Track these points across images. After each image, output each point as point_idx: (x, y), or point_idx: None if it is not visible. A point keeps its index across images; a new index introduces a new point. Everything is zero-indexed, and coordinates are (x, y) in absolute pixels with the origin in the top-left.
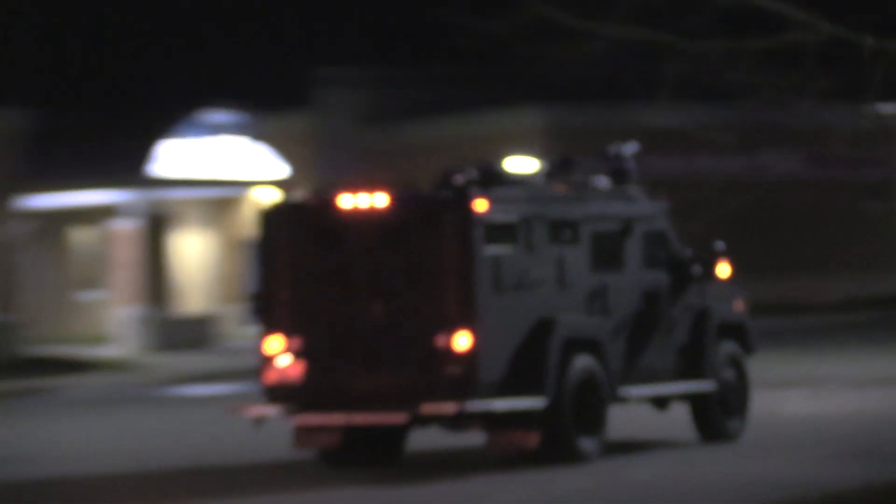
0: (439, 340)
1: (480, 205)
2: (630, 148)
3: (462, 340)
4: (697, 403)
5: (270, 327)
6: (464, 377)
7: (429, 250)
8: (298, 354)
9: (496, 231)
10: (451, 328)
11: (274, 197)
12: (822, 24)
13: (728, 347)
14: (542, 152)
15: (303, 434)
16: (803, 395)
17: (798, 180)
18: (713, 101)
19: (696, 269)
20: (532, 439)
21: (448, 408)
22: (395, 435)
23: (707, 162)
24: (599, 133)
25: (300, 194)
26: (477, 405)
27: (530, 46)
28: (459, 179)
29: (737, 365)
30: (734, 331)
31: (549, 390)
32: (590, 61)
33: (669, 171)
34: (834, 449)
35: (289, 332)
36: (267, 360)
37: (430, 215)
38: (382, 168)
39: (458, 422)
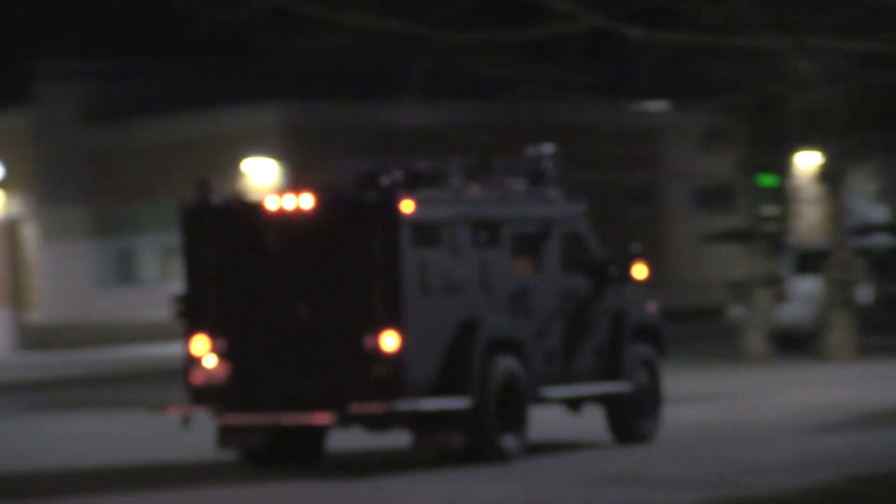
0: (367, 341)
1: (407, 206)
2: (548, 149)
3: (389, 341)
4: (612, 405)
5: (196, 328)
6: (391, 378)
7: (355, 251)
8: (224, 355)
9: (422, 232)
10: (379, 329)
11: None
12: (585, 14)
13: (642, 350)
14: (282, 152)
15: (227, 434)
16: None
17: (560, 182)
18: (467, 98)
19: (613, 270)
20: (457, 439)
21: (375, 408)
22: (317, 436)
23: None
24: (343, 132)
25: (224, 195)
26: (404, 405)
27: (269, 39)
28: (385, 180)
29: (650, 367)
30: (648, 333)
31: (474, 391)
32: (334, 55)
33: None
34: (604, 471)
35: (214, 334)
36: (193, 361)
37: (356, 216)
38: (110, 169)
39: (384, 422)
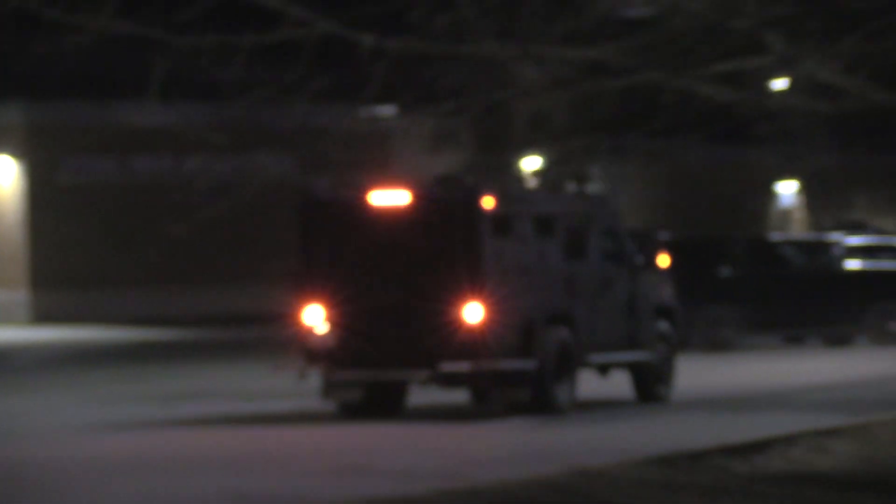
0: (455, 312)
1: (488, 202)
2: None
3: (474, 312)
4: (637, 371)
5: (310, 301)
6: (475, 342)
7: (445, 238)
8: (334, 324)
9: (498, 224)
10: (465, 302)
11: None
12: (320, 20)
13: (661, 326)
14: (23, 150)
15: (332, 388)
16: (290, 407)
17: (290, 184)
18: (205, 100)
19: (640, 259)
20: (524, 394)
21: (462, 367)
22: (401, 392)
23: (195, 163)
24: (84, 131)
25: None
26: (485, 365)
27: (11, 38)
28: (469, 181)
29: (667, 341)
30: (667, 313)
31: (538, 354)
32: (76, 56)
33: (158, 172)
34: (319, 464)
35: (326, 306)
36: (307, 329)
37: (446, 210)
38: None
39: (467, 379)
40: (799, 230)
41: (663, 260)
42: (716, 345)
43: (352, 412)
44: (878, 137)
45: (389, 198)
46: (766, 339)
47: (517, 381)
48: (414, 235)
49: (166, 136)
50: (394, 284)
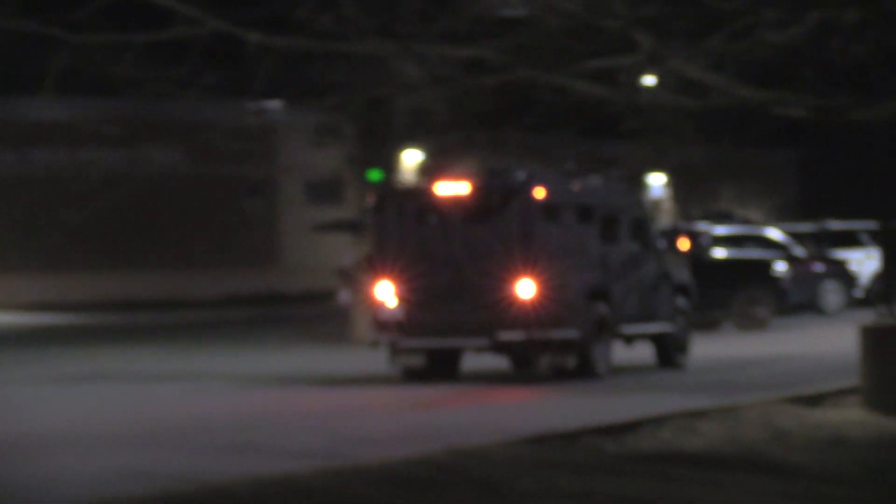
0: (511, 288)
1: (539, 192)
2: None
3: (527, 288)
4: (659, 341)
5: (382, 279)
6: (528, 314)
7: (501, 223)
8: (403, 298)
9: (546, 212)
10: (519, 279)
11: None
12: (209, 19)
13: (680, 302)
14: None
15: (398, 355)
16: (183, 389)
17: (180, 175)
18: (98, 95)
19: (662, 243)
20: (571, 360)
21: (517, 336)
22: (456, 358)
23: (90, 155)
24: None
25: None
26: (537, 334)
27: None
28: (521, 174)
29: (684, 315)
30: (684, 290)
31: (581, 326)
32: None
33: (53, 165)
34: (210, 443)
35: (396, 283)
36: (379, 303)
37: (502, 199)
38: None
39: (522, 346)
40: (668, 220)
41: (683, 244)
42: None
43: (414, 376)
44: (742, 132)
45: (452, 188)
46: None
47: (563, 349)
48: (474, 221)
49: (62, 129)
50: (456, 264)
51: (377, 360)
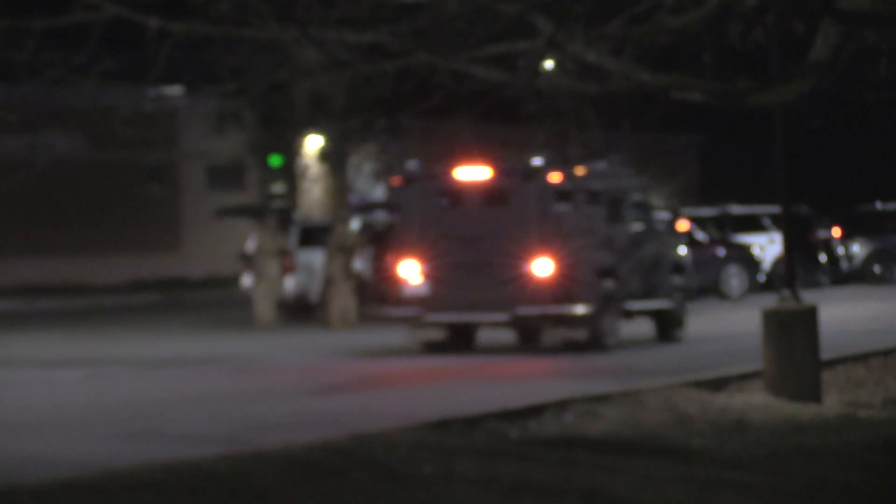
0: (530, 266)
1: (554, 177)
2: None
3: (543, 266)
4: (658, 317)
5: (405, 257)
6: (544, 290)
7: (519, 206)
8: (426, 276)
9: (560, 195)
10: (537, 258)
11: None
12: (108, 4)
13: (678, 280)
14: None
15: (419, 329)
16: (85, 375)
17: (81, 161)
18: None
19: (661, 225)
20: (582, 333)
21: (536, 311)
22: (472, 333)
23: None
24: None
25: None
26: (553, 309)
27: None
28: (538, 160)
29: (682, 293)
30: (682, 269)
31: (591, 301)
32: None
33: None
34: (112, 429)
35: (419, 261)
36: (402, 280)
37: (520, 183)
38: None
39: (538, 320)
40: None
41: (682, 226)
42: None
43: (434, 349)
44: (643, 117)
45: (473, 173)
46: None
47: (576, 323)
48: (493, 203)
49: None
50: (476, 244)
51: (280, 344)
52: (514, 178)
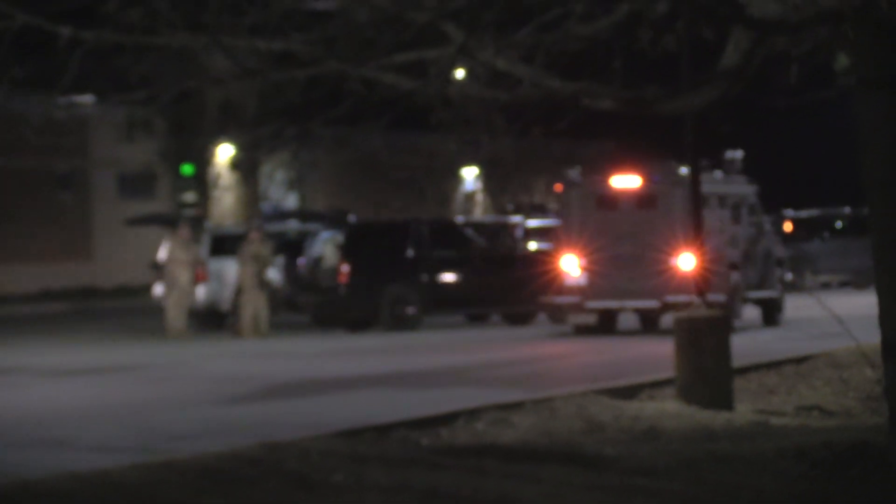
0: (676, 260)
1: (696, 184)
2: (738, 154)
3: (688, 261)
4: (766, 304)
5: (566, 253)
6: (689, 281)
7: (666, 209)
8: (585, 268)
9: (704, 200)
10: (681, 253)
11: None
12: (19, 13)
13: (780, 272)
14: None
15: (575, 315)
16: None
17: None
18: None
19: (768, 226)
20: None
21: (682, 298)
22: (614, 317)
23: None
24: None
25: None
26: (697, 297)
27: None
28: (683, 169)
29: (782, 284)
30: (782, 263)
31: (725, 291)
32: None
33: None
34: (22, 437)
35: (579, 256)
36: (565, 273)
37: (667, 189)
38: None
39: (685, 307)
40: (482, 213)
41: (786, 227)
42: (401, 323)
43: (583, 332)
44: (553, 124)
45: (626, 180)
46: (449, 317)
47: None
48: (643, 206)
49: None
50: (629, 241)
51: (192, 353)
52: (663, 185)
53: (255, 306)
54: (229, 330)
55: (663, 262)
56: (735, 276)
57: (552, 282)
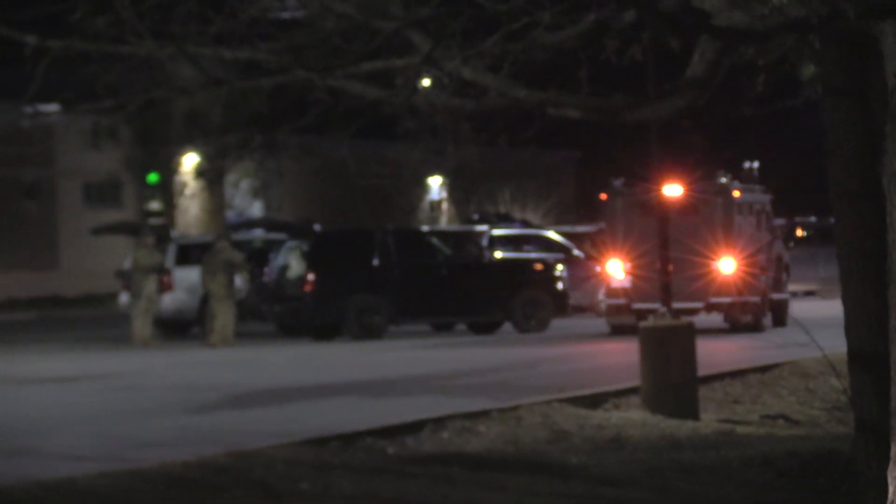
0: (718, 264)
1: (736, 193)
2: (755, 164)
3: (730, 265)
4: (775, 305)
5: (611, 258)
6: (730, 284)
7: (708, 217)
8: (630, 273)
9: (739, 208)
10: (723, 258)
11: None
12: None
13: (785, 276)
14: None
15: (615, 315)
16: None
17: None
18: None
19: (781, 233)
20: (748, 318)
21: (724, 300)
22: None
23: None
24: None
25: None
26: (738, 298)
27: None
28: (724, 178)
29: (787, 286)
30: (788, 267)
31: (757, 293)
32: None
33: None
34: None
35: (623, 261)
36: (610, 277)
37: (709, 198)
38: None
39: (727, 307)
40: (448, 222)
41: (799, 233)
42: (367, 332)
43: (620, 332)
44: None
45: (669, 190)
46: (415, 326)
47: (748, 309)
48: (686, 214)
49: None
50: (673, 247)
51: (158, 362)
52: (706, 194)
53: (221, 315)
54: (201, 339)
55: (705, 265)
56: (764, 280)
57: (521, 288)
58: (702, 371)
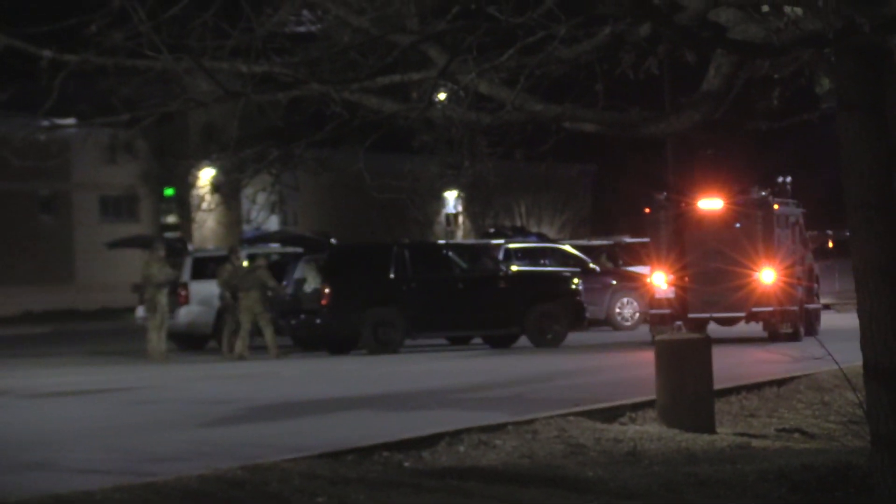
0: (758, 275)
1: (777, 206)
2: (789, 179)
3: (770, 275)
4: (811, 315)
5: (657, 269)
6: (771, 294)
7: (749, 229)
8: (674, 284)
9: (778, 220)
10: (763, 269)
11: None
12: (0, 35)
13: (816, 287)
14: None
15: (658, 324)
16: None
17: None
18: None
19: (812, 245)
20: (787, 328)
21: (766, 309)
22: (704, 327)
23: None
24: None
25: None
26: (778, 308)
27: None
28: (762, 192)
29: (818, 295)
30: (817, 279)
31: (795, 303)
32: None
33: None
34: (4, 460)
35: (668, 272)
36: (656, 288)
37: (750, 211)
38: None
39: (768, 316)
40: (464, 235)
41: (830, 243)
42: (383, 345)
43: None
44: (536, 147)
45: (710, 203)
46: (431, 339)
47: (787, 319)
48: (727, 226)
49: None
50: (715, 258)
51: (174, 375)
52: (745, 207)
53: (268, 328)
54: (211, 352)
55: (746, 276)
56: (801, 290)
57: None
58: (718, 384)
